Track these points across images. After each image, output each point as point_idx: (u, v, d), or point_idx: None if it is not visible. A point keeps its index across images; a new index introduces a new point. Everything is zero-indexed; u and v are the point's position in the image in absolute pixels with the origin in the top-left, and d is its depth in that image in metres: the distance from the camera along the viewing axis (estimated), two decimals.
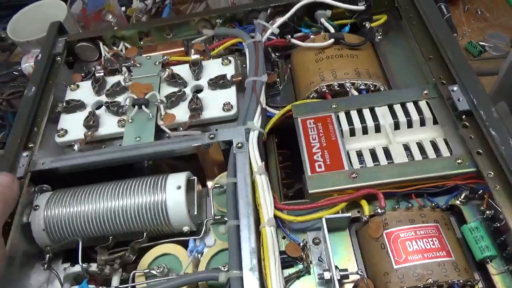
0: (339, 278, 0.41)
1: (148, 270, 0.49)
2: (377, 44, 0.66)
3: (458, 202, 0.47)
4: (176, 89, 0.60)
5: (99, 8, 0.92)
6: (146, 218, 0.50)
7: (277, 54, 0.67)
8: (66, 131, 0.60)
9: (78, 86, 0.65)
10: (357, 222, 0.47)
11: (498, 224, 0.42)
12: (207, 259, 0.49)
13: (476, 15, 0.98)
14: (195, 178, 0.53)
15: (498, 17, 0.96)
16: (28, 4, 0.94)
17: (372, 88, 0.57)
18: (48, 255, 0.51)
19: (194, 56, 0.63)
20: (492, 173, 0.44)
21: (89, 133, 0.58)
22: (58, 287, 0.50)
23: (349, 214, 0.45)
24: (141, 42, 0.70)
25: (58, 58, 0.67)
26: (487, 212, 0.44)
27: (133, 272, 0.49)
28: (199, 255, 0.50)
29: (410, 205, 0.45)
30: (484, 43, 0.91)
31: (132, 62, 0.65)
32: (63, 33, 0.72)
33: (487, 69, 0.84)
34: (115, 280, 0.49)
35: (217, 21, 0.68)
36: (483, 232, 0.42)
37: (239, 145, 0.51)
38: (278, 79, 0.64)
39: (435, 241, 0.42)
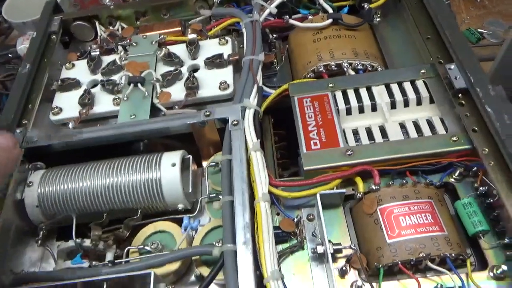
0: (332, 251, 0.41)
1: (142, 246, 0.48)
2: (375, 27, 0.65)
3: (452, 179, 0.47)
4: (172, 68, 0.60)
5: None
6: (141, 195, 0.50)
7: (274, 35, 0.66)
8: (60, 109, 0.59)
9: (73, 65, 0.65)
10: (352, 199, 0.47)
11: (491, 200, 0.42)
12: (201, 236, 0.49)
13: (475, 2, 0.98)
14: (190, 156, 0.53)
15: (497, 5, 0.96)
16: None
17: (370, 69, 0.57)
18: (42, 232, 0.51)
19: (191, 36, 0.63)
20: (487, 149, 0.44)
21: (84, 111, 0.57)
22: (52, 264, 0.50)
23: (343, 190, 0.45)
24: (138, 22, 0.70)
25: (53, 37, 0.66)
26: (481, 188, 0.44)
27: (127, 248, 0.49)
28: (194, 232, 0.50)
29: (404, 182, 0.45)
30: (482, 30, 0.91)
31: (128, 41, 0.64)
32: (59, 12, 0.71)
33: (485, 55, 0.84)
34: (109, 256, 0.49)
35: (214, 1, 0.68)
36: (476, 208, 0.42)
37: (235, 122, 0.51)
38: (275, 60, 0.63)
39: (428, 216, 0.42)
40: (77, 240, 0.48)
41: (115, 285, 0.42)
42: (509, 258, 0.40)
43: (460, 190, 0.46)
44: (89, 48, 0.66)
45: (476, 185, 0.45)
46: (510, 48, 0.59)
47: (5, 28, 1.07)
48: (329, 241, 0.42)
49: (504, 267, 0.39)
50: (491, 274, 0.40)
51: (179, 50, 0.63)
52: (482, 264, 0.42)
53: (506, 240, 0.40)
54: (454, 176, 0.46)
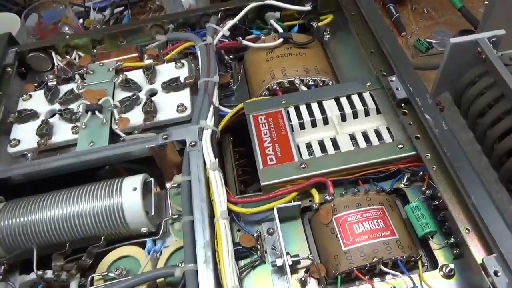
0: (290, 263, 0.42)
1: (106, 273, 0.48)
2: (326, 43, 0.69)
3: (402, 185, 0.49)
4: (130, 94, 0.61)
5: (56, 21, 0.92)
6: (103, 222, 0.50)
7: (230, 56, 0.68)
8: (18, 141, 0.59)
9: (30, 96, 0.64)
10: (309, 211, 0.49)
11: (437, 202, 0.45)
12: (165, 258, 0.49)
13: (423, 14, 1.04)
14: (152, 179, 0.54)
15: (443, 15, 1.02)
16: None
17: (321, 84, 0.60)
18: (2, 266, 0.50)
19: (148, 61, 0.64)
20: (429, 155, 0.46)
21: (42, 142, 0.57)
22: None
23: (299, 203, 0.47)
24: (95, 50, 0.71)
25: (9, 69, 0.66)
26: (427, 192, 0.46)
27: (91, 276, 0.49)
28: (158, 255, 0.50)
29: (356, 190, 0.47)
30: (431, 40, 0.96)
31: (85, 69, 0.65)
32: (14, 44, 0.71)
33: (434, 63, 0.88)
34: (73, 286, 0.48)
35: (169, 26, 0.69)
36: (423, 211, 0.45)
37: (192, 143, 0.52)
38: (232, 80, 0.65)
39: (380, 222, 0.44)
40: (38, 272, 0.47)
41: None
42: (457, 256, 0.43)
43: (410, 194, 0.48)
44: (46, 78, 0.66)
45: (423, 189, 0.47)
46: (451, 55, 0.63)
47: None
48: (287, 253, 0.43)
49: (452, 266, 0.41)
50: (441, 273, 0.42)
51: (137, 75, 0.64)
52: (433, 263, 0.44)
53: (452, 239, 0.43)
54: (403, 182, 0.49)
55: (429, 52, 0.95)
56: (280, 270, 0.44)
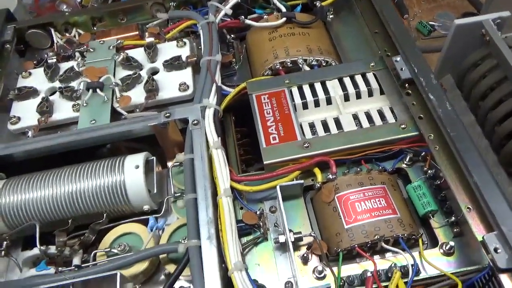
0: (293, 240, 0.42)
1: (109, 249, 0.49)
2: (329, 23, 0.68)
3: (404, 165, 0.49)
4: (131, 72, 0.60)
5: None
6: (105, 199, 0.50)
7: (232, 35, 0.68)
8: (19, 118, 0.58)
9: (30, 73, 0.64)
10: (312, 190, 0.49)
11: (439, 182, 0.45)
12: (167, 235, 0.50)
13: None
14: (154, 158, 0.54)
15: None
16: None
17: (324, 64, 0.59)
18: (5, 242, 0.51)
19: (149, 39, 0.64)
20: (432, 135, 0.47)
21: (43, 119, 0.57)
22: (18, 273, 0.50)
23: (301, 181, 0.47)
24: (95, 28, 0.70)
25: (7, 46, 0.65)
26: (429, 171, 0.47)
27: (94, 251, 0.49)
28: (160, 232, 0.51)
29: (359, 169, 0.47)
30: (433, 23, 0.96)
31: (86, 47, 0.64)
32: (12, 21, 0.70)
33: (436, 46, 0.88)
34: (76, 261, 0.49)
35: (171, 4, 0.68)
36: (425, 190, 0.45)
37: (195, 122, 0.52)
38: (234, 59, 0.65)
39: (382, 200, 0.44)
40: (41, 247, 0.48)
41: None
42: (457, 235, 0.43)
43: (412, 174, 0.49)
44: (45, 55, 0.65)
45: (425, 169, 0.48)
46: (455, 37, 0.63)
47: None
48: (290, 230, 0.43)
49: (452, 243, 0.42)
50: (441, 250, 0.42)
51: (138, 54, 0.63)
52: (433, 242, 0.45)
53: (453, 218, 0.43)
54: (405, 162, 0.49)
55: (432, 35, 0.94)
56: (282, 247, 0.44)
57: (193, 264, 0.41)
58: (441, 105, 0.46)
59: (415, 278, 0.41)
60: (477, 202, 0.41)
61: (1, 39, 0.66)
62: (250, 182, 0.48)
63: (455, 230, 0.43)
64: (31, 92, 0.60)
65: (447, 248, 0.42)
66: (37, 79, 0.63)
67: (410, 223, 0.44)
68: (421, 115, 0.48)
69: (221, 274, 0.40)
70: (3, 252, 0.50)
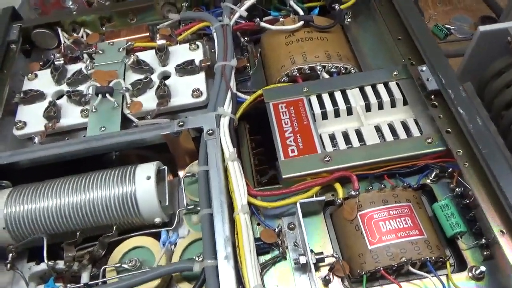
0: (314, 262, 0.40)
1: (119, 265, 0.47)
2: (347, 27, 0.65)
3: (429, 181, 0.47)
4: (142, 76, 0.58)
5: None
6: (115, 210, 0.48)
7: (246, 38, 0.65)
8: (24, 123, 0.56)
9: (36, 75, 0.61)
10: (332, 205, 0.47)
11: (468, 201, 0.43)
12: (180, 250, 0.47)
13: None
14: (165, 167, 0.52)
15: (463, 0, 0.98)
16: None
17: (343, 71, 0.57)
18: (11, 254, 0.49)
19: (160, 42, 0.61)
20: (461, 151, 0.44)
21: (50, 125, 0.55)
22: (24, 286, 0.48)
23: (323, 198, 0.45)
24: (103, 28, 0.67)
25: (13, 46, 0.63)
26: (457, 189, 0.44)
27: (103, 267, 0.47)
28: (172, 247, 0.49)
29: (382, 186, 0.45)
30: (449, 26, 0.93)
31: (94, 48, 0.61)
32: (18, 19, 0.67)
33: (453, 51, 0.85)
34: (85, 277, 0.47)
35: (183, 4, 0.66)
36: (453, 209, 0.43)
37: (210, 132, 0.49)
38: (248, 64, 0.62)
39: (408, 220, 0.42)
40: (49, 262, 0.45)
41: None
42: (486, 258, 0.41)
43: (437, 191, 0.47)
44: (52, 56, 0.63)
45: (452, 186, 0.45)
46: (479, 44, 0.60)
47: None
48: (311, 251, 0.41)
49: (483, 268, 0.40)
50: (470, 274, 0.40)
51: (148, 56, 0.61)
52: (461, 265, 0.42)
53: (483, 241, 0.41)
54: (430, 178, 0.47)
55: (448, 38, 0.92)
56: (303, 268, 0.42)
57: (209, 285, 0.39)
58: (471, 119, 0.44)
59: None
60: (511, 225, 0.38)
61: (6, 39, 0.63)
62: (268, 197, 0.46)
63: (485, 253, 0.41)
64: (37, 96, 0.58)
65: (477, 272, 0.40)
66: (44, 81, 0.61)
67: (437, 245, 0.42)
68: (449, 129, 0.46)
69: None
70: (9, 265, 0.48)
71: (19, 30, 0.64)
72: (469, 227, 0.43)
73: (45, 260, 0.45)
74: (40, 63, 0.64)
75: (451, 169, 0.46)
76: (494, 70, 0.62)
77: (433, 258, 0.40)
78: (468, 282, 0.40)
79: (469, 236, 0.43)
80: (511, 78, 0.60)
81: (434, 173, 0.47)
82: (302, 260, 0.41)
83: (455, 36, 0.91)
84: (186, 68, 0.58)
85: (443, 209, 0.43)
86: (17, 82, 0.62)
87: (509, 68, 0.60)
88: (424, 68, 0.50)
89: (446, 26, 0.91)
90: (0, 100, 0.58)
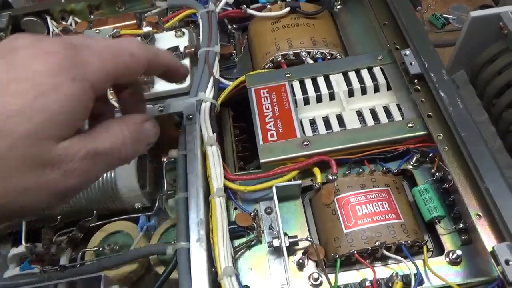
0: (287, 244, 0.40)
1: (98, 248, 0.47)
2: (336, 14, 0.65)
3: (410, 166, 0.46)
4: None
5: None
6: (95, 195, 0.48)
7: (234, 26, 0.65)
8: None
9: None
10: (311, 190, 0.46)
11: (447, 185, 0.42)
12: (158, 235, 0.48)
13: None
14: (147, 153, 0.52)
15: None
16: None
17: (329, 57, 0.56)
18: None
19: (146, 29, 0.61)
20: (442, 135, 0.43)
21: None
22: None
23: (299, 182, 0.44)
24: (92, 16, 0.67)
25: (1, 34, 0.63)
26: (437, 174, 0.43)
27: (82, 250, 0.47)
28: (152, 231, 0.49)
29: (361, 170, 0.44)
30: (448, 16, 0.91)
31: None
32: (8, 8, 0.68)
33: (451, 40, 0.83)
34: (63, 260, 0.47)
35: None
36: (431, 194, 0.42)
37: (190, 116, 0.49)
38: (234, 51, 0.62)
39: (385, 204, 0.41)
40: (27, 245, 0.46)
41: None
42: (465, 243, 0.40)
43: (418, 176, 0.46)
44: None
45: (433, 171, 0.45)
46: (470, 30, 0.59)
47: None
48: (285, 234, 0.41)
49: (459, 252, 0.39)
50: (447, 259, 0.39)
51: None
52: (440, 249, 0.42)
53: (461, 225, 0.40)
54: (411, 163, 0.46)
55: (445, 28, 0.90)
56: (277, 251, 0.42)
57: (181, 267, 0.39)
58: (452, 103, 0.43)
59: None
60: (488, 209, 0.37)
61: None
62: (245, 181, 0.46)
63: (463, 237, 0.40)
64: None
65: (453, 256, 0.39)
66: None
67: (415, 229, 0.41)
68: (430, 113, 0.45)
69: (210, 278, 0.38)
70: None
71: (8, 19, 0.64)
72: (448, 212, 0.42)
73: (23, 242, 0.46)
74: None
75: (432, 153, 0.45)
76: (486, 57, 0.60)
77: (409, 242, 0.39)
78: (445, 266, 0.39)
79: (448, 221, 0.42)
80: (503, 65, 0.58)
81: (415, 158, 0.46)
82: (276, 243, 0.41)
83: (453, 26, 0.89)
84: None
85: (422, 193, 0.42)
86: None
87: (502, 55, 0.59)
88: (407, 52, 0.49)
89: (444, 15, 0.89)
90: None
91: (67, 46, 0.28)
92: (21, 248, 0.47)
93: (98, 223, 0.50)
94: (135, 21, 0.64)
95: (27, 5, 0.70)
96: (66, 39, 0.29)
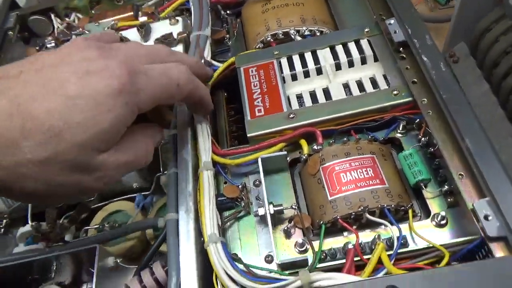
0: (272, 212, 0.41)
1: (98, 226, 0.49)
2: None
3: (398, 134, 0.46)
4: None
5: None
6: None
7: (228, 11, 0.66)
8: None
9: None
10: (300, 163, 0.47)
11: (432, 149, 0.42)
12: (154, 211, 0.49)
13: None
14: None
15: None
16: None
17: (318, 34, 0.57)
18: (4, 220, 0.52)
19: (142, 19, 0.63)
20: (426, 99, 0.43)
21: None
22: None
23: (285, 152, 0.45)
24: (93, 11, 0.70)
25: (10, 33, 0.67)
26: (423, 139, 0.43)
27: (84, 228, 0.50)
28: (150, 208, 0.51)
29: (347, 139, 0.45)
30: None
31: (81, 30, 0.65)
32: (16, 8, 0.72)
33: (451, 15, 0.82)
34: (67, 237, 0.50)
35: None
36: (417, 158, 0.42)
37: None
38: (227, 35, 0.63)
39: (369, 170, 0.42)
40: (33, 224, 0.49)
41: (67, 261, 0.43)
42: (451, 205, 0.40)
43: (405, 143, 0.45)
44: (45, 41, 0.67)
45: (419, 137, 0.44)
46: (464, 1, 0.58)
47: None
48: (270, 203, 0.42)
49: (443, 213, 0.39)
50: (433, 222, 0.39)
51: (132, 34, 0.63)
52: (427, 214, 0.41)
53: (446, 187, 0.40)
54: (399, 131, 0.46)
55: (449, 4, 0.88)
56: (262, 220, 0.43)
57: (169, 237, 0.40)
58: (434, 66, 0.43)
59: (402, 250, 0.38)
60: (469, 168, 0.37)
61: (4, 26, 0.68)
62: (234, 156, 0.47)
63: (449, 200, 0.40)
64: None
65: (439, 219, 0.39)
66: None
67: (400, 194, 0.41)
68: (415, 80, 0.45)
69: (198, 248, 0.40)
70: (2, 230, 0.52)
71: (15, 18, 0.68)
72: (435, 176, 0.42)
73: (29, 221, 0.49)
74: (37, 48, 0.68)
75: (418, 120, 0.44)
76: (483, 26, 0.59)
77: (393, 205, 0.39)
78: (431, 229, 0.39)
79: (434, 185, 0.42)
80: (500, 33, 0.57)
81: (401, 125, 0.45)
82: (261, 211, 0.42)
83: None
84: (164, 41, 0.59)
85: (406, 158, 0.42)
86: None
87: (498, 22, 0.57)
88: (392, 21, 0.49)
89: None
90: None
91: (131, 71, 0.33)
92: (28, 227, 0.50)
93: (100, 204, 0.52)
94: (132, 13, 0.66)
95: (33, 4, 0.73)
96: (130, 60, 0.34)
